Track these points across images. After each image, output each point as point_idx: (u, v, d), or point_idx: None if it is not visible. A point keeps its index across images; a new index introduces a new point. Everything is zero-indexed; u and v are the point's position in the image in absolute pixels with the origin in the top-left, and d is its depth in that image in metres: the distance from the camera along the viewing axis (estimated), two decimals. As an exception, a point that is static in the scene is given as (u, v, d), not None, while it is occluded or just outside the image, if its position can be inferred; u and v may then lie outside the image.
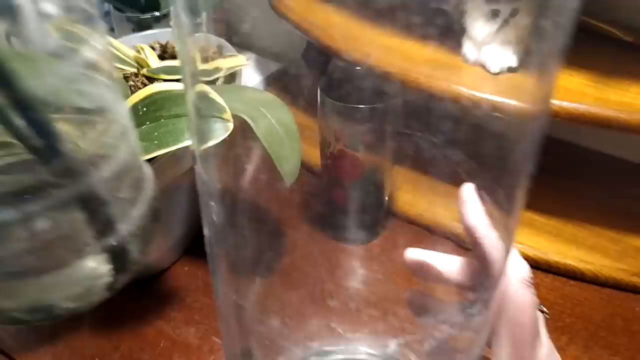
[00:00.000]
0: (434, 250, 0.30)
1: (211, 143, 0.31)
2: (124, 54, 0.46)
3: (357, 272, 0.32)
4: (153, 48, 0.49)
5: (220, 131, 0.32)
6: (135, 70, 0.45)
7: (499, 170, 0.28)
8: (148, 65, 0.45)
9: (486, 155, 0.27)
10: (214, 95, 0.33)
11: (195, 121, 0.27)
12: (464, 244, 0.30)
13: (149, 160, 0.30)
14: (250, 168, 0.32)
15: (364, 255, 0.33)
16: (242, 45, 0.44)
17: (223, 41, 0.47)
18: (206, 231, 0.27)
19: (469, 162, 0.28)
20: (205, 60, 0.46)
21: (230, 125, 0.32)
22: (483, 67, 0.49)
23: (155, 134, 0.32)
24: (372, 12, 0.23)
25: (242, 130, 0.32)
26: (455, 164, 0.28)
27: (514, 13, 0.48)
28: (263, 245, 0.33)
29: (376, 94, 0.27)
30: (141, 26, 0.61)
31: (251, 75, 0.53)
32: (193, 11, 0.26)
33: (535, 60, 0.25)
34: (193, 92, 0.26)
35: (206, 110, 0.33)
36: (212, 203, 0.26)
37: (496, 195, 0.28)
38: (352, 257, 0.33)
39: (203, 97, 0.32)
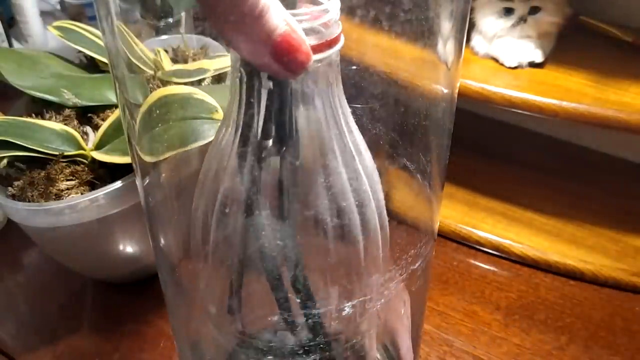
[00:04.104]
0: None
1: (197, 145, 0.31)
2: (146, 57, 0.45)
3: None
4: (166, 51, 0.49)
5: (210, 132, 0.32)
6: (153, 72, 0.45)
7: (420, 144, 0.29)
8: (163, 68, 0.45)
9: (408, 130, 0.28)
10: (201, 95, 0.33)
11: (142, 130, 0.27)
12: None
13: (159, 162, 0.30)
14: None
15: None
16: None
17: (210, 41, 0.46)
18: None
19: (391, 136, 0.28)
20: (184, 60, 0.46)
21: None
22: (496, 60, 0.50)
23: (165, 136, 0.32)
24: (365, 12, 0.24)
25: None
26: (378, 137, 0.28)
27: (533, 11, 0.48)
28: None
29: (372, 94, 0.28)
30: (157, 32, 0.61)
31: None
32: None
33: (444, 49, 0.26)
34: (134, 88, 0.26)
35: (191, 111, 0.33)
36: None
37: (418, 168, 0.29)
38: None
39: (186, 98, 0.32)
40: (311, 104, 0.23)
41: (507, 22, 0.48)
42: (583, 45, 0.51)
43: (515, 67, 0.48)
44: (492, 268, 0.51)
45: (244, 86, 0.22)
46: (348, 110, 0.24)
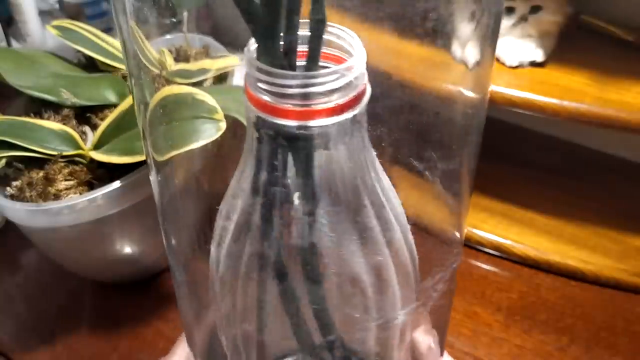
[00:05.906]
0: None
1: (198, 144, 0.31)
2: (152, 56, 0.45)
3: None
4: (170, 51, 0.49)
5: (211, 131, 0.32)
6: (158, 72, 0.45)
7: (446, 153, 0.28)
8: (167, 68, 0.45)
9: (433, 139, 0.27)
10: (201, 95, 0.33)
11: (155, 127, 0.27)
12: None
13: (163, 162, 0.30)
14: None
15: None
16: (235, 44, 0.44)
17: (211, 41, 0.46)
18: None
19: (415, 145, 0.28)
20: (186, 60, 0.46)
21: (223, 125, 0.31)
22: (497, 60, 0.49)
23: (169, 135, 0.32)
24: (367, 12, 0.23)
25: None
26: (401, 147, 0.28)
27: (534, 10, 0.47)
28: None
29: (376, 95, 0.27)
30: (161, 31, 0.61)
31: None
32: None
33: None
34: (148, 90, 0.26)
35: (192, 111, 0.33)
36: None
37: (443, 178, 0.28)
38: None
39: (188, 98, 0.32)
40: (339, 161, 0.21)
41: (507, 21, 0.48)
42: (584, 44, 0.51)
43: (516, 67, 0.48)
44: (492, 269, 0.51)
45: (263, 147, 0.21)
46: (373, 155, 0.23)
